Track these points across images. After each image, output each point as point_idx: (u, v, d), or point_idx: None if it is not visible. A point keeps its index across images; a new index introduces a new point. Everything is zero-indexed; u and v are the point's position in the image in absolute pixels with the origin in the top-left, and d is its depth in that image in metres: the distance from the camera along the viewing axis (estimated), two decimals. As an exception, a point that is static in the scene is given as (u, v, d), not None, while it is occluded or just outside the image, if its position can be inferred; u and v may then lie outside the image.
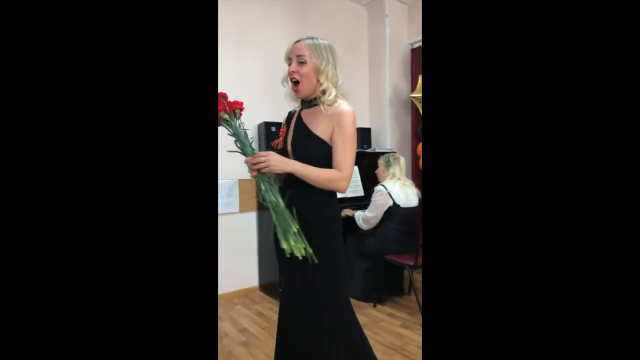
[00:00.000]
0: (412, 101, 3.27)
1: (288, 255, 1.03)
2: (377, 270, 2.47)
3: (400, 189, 2.39)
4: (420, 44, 3.46)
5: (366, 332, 2.09)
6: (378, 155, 2.82)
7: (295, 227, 1.04)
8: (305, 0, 3.18)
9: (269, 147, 2.41)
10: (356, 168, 3.05)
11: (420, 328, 2.13)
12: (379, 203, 2.37)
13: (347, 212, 2.64)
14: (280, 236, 1.03)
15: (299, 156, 1.14)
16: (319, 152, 1.13)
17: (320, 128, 1.14)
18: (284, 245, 1.02)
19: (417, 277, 3.03)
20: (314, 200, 1.14)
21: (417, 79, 3.20)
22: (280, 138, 1.23)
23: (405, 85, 3.57)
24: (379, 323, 2.21)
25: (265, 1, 2.93)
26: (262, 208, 2.84)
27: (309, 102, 1.20)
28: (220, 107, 1.06)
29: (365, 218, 2.44)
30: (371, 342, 1.96)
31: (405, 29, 3.63)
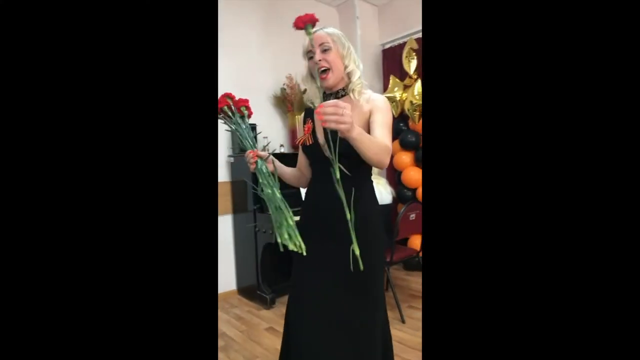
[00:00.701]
0: (384, 101, 3.32)
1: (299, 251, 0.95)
2: (355, 269, 2.49)
3: (374, 187, 2.43)
4: (390, 44, 3.53)
5: (345, 329, 2.11)
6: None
7: (291, 220, 0.97)
8: (276, 2, 3.18)
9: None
10: (331, 168, 3.07)
11: (399, 323, 2.17)
12: None
13: None
14: (275, 229, 0.97)
15: (338, 149, 1.08)
16: None
17: (355, 117, 1.04)
18: (279, 239, 0.96)
19: (394, 273, 3.09)
20: (362, 185, 1.08)
21: (389, 80, 3.26)
22: (306, 134, 1.15)
23: (377, 85, 3.63)
24: (357, 320, 2.23)
25: (235, 2, 2.92)
26: (237, 211, 2.82)
27: (335, 94, 1.15)
28: (222, 103, 1.05)
29: None
30: (350, 339, 1.99)
31: (376, 30, 3.69)
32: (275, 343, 2.00)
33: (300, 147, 1.20)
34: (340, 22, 3.66)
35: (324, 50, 1.11)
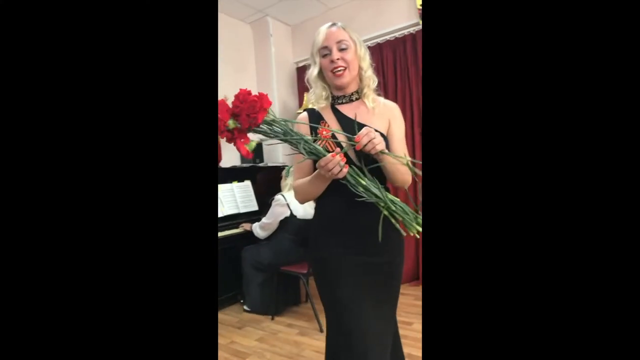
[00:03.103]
0: (300, 117, 3.43)
1: (418, 235, 0.86)
2: (273, 282, 2.49)
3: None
4: (304, 63, 3.67)
5: (263, 345, 2.10)
6: (271, 169, 2.86)
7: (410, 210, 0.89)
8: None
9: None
10: (249, 182, 3.05)
11: (317, 333, 2.21)
12: (276, 212, 2.48)
13: (245, 226, 2.71)
14: (409, 225, 0.87)
15: (366, 156, 0.95)
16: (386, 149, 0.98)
17: (373, 120, 1.01)
18: (414, 231, 0.87)
19: (314, 283, 3.14)
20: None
21: (304, 96, 3.38)
22: (325, 139, 0.99)
23: (293, 102, 3.73)
24: (276, 335, 2.22)
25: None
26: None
27: (348, 96, 1.05)
28: (261, 114, 0.83)
29: (262, 225, 2.53)
30: (269, 354, 1.98)
31: (290, 49, 3.81)
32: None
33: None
34: (254, 39, 3.70)
35: (342, 49, 1.01)
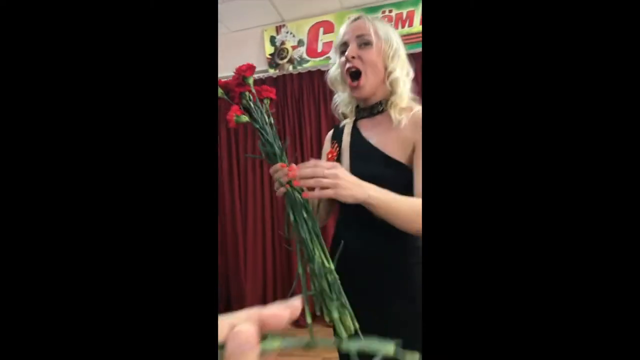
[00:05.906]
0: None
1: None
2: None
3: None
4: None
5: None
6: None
7: (343, 297, 0.57)
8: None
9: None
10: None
11: None
12: None
13: None
14: (315, 299, 0.57)
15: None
16: (393, 181, 0.71)
17: (391, 144, 0.77)
18: (326, 317, 0.56)
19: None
20: (393, 251, 0.75)
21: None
22: (330, 161, 0.82)
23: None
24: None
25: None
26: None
27: (369, 109, 0.81)
28: (241, 87, 0.67)
29: None
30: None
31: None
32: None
33: None
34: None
35: (363, 44, 0.77)
